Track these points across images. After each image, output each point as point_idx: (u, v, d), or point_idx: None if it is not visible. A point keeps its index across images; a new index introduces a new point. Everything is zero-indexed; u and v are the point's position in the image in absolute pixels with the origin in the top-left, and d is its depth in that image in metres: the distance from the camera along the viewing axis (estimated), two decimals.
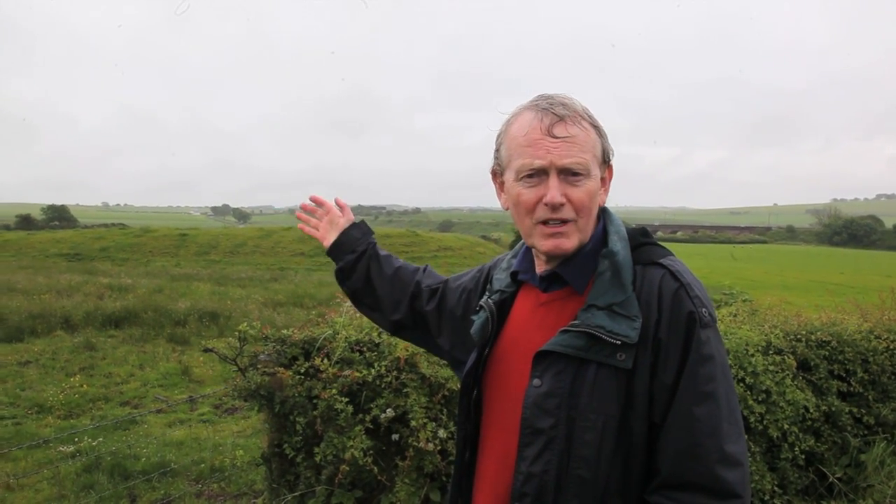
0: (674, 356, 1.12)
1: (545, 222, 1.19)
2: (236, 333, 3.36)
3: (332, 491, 2.98)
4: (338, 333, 3.28)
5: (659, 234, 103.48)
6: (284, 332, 3.36)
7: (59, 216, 73.92)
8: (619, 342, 1.12)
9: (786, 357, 3.91)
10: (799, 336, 4.11)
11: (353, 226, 1.69)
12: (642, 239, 1.25)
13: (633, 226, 1.29)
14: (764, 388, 3.68)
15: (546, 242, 1.20)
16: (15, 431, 6.18)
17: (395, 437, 3.01)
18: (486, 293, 1.38)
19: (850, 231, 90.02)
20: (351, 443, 2.85)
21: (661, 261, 1.20)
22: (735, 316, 4.36)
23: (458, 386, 1.41)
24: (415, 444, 2.91)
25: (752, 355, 3.73)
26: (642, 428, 1.14)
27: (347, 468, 2.83)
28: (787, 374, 3.85)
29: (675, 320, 1.13)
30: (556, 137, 1.16)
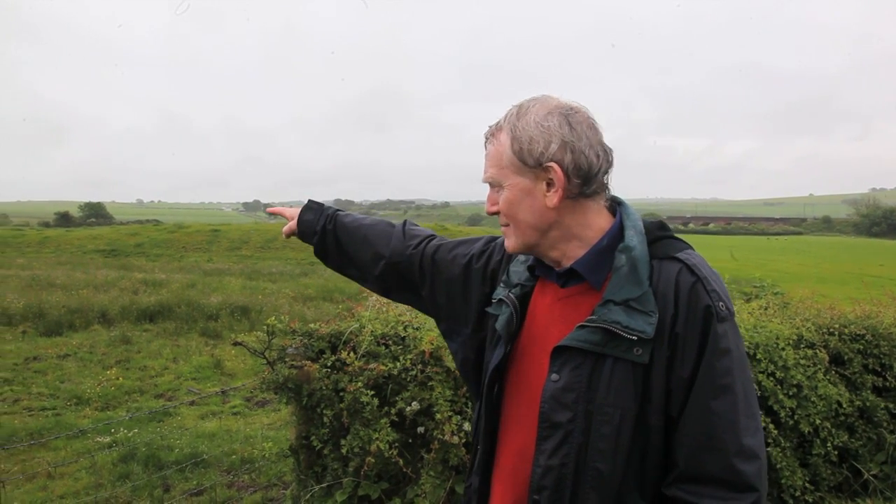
0: (691, 350, 1.12)
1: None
2: (265, 327, 3.41)
3: (358, 483, 3.02)
4: (364, 327, 3.32)
5: (691, 225, 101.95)
6: (312, 325, 3.41)
7: (95, 213, 75.78)
8: (635, 337, 1.12)
9: (818, 351, 3.84)
10: (832, 329, 4.03)
11: (305, 209, 1.74)
12: (659, 233, 1.25)
13: (652, 219, 1.28)
14: (795, 382, 3.62)
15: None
16: (55, 422, 6.36)
17: (420, 429, 3.03)
18: (503, 285, 1.39)
19: (889, 221, 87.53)
20: (376, 435, 2.88)
21: (678, 255, 1.19)
22: (766, 309, 4.29)
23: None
24: (440, 436, 2.93)
25: (783, 349, 3.67)
26: (659, 422, 1.14)
27: (373, 460, 2.86)
28: (819, 369, 3.78)
29: (691, 315, 1.13)
30: (486, 156, 1.29)
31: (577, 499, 1.16)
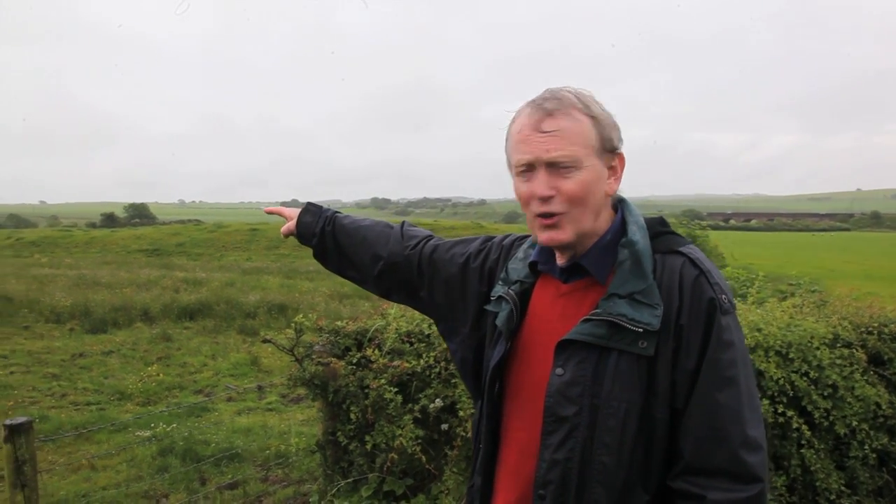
0: (695, 342, 1.13)
1: (541, 215, 1.22)
2: (293, 325, 3.48)
3: (383, 478, 3.05)
4: (389, 325, 3.35)
5: (732, 221, 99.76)
6: (338, 323, 3.46)
7: (139, 214, 77.88)
8: (640, 330, 1.13)
9: (855, 350, 3.73)
10: (870, 328, 3.91)
11: (304, 211, 1.74)
12: (661, 228, 1.26)
13: (652, 216, 1.30)
14: (830, 382, 3.53)
15: (542, 235, 1.24)
16: (98, 416, 6.58)
17: (444, 426, 3.06)
18: (501, 282, 1.39)
19: None
20: (400, 432, 2.92)
21: (681, 249, 1.21)
22: (800, 307, 4.19)
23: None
24: (463, 433, 2.95)
25: (818, 348, 3.58)
26: (664, 414, 1.15)
27: (396, 456, 2.90)
28: (857, 369, 3.68)
29: (695, 307, 1.14)
30: (544, 132, 1.19)
31: (582, 493, 1.17)
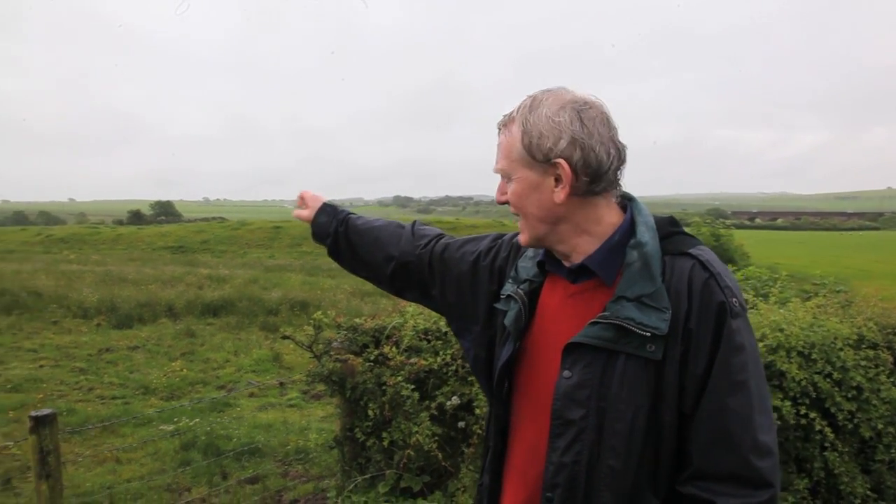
0: (704, 346, 1.11)
1: None
2: (311, 322, 3.51)
3: (400, 475, 3.07)
4: (406, 322, 3.37)
5: (757, 220, 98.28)
6: (356, 320, 3.48)
7: (165, 211, 79.10)
8: (648, 334, 1.11)
9: (881, 352, 3.67)
10: None
11: (320, 211, 1.75)
12: (671, 228, 1.23)
13: (662, 216, 1.27)
14: (854, 384, 3.47)
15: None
16: (123, 410, 6.70)
17: (461, 424, 3.06)
18: (511, 281, 1.39)
19: None
20: (417, 428, 2.93)
21: (691, 251, 1.18)
22: (824, 308, 4.12)
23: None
24: (479, 431, 2.95)
25: (841, 349, 3.52)
26: (672, 418, 1.13)
27: (413, 453, 2.91)
28: (882, 371, 3.61)
29: (705, 310, 1.12)
30: (498, 146, 1.30)
31: (590, 497, 1.16)
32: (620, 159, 1.21)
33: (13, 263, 21.89)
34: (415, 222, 1.72)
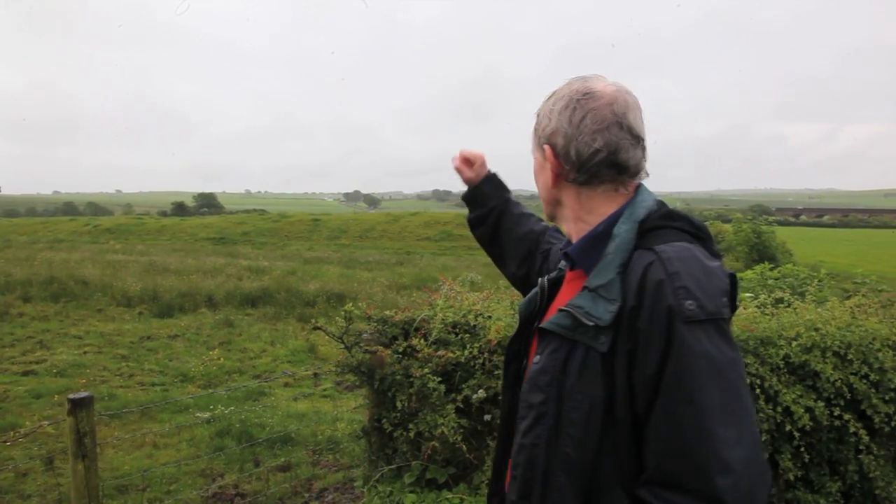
0: (655, 349, 1.07)
1: None
2: (342, 313, 3.56)
3: (426, 466, 3.10)
4: (436, 315, 3.39)
5: (803, 217, 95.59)
6: (387, 312, 3.52)
7: (207, 203, 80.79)
8: (592, 323, 1.12)
9: None
10: None
11: (486, 180, 1.83)
12: (658, 222, 1.19)
13: (663, 209, 1.24)
14: (893, 386, 3.37)
15: None
16: (162, 397, 6.90)
17: (486, 417, 3.08)
18: (544, 270, 1.44)
19: None
20: (442, 420, 2.95)
21: (657, 247, 1.13)
22: (864, 307, 4.00)
23: None
24: None
25: (880, 350, 3.43)
26: (626, 415, 1.11)
27: (438, 445, 2.93)
28: None
29: (655, 312, 1.07)
30: None
31: (548, 479, 1.18)
32: (612, 152, 1.21)
33: (62, 252, 22.66)
34: (552, 227, 1.78)
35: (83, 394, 2.60)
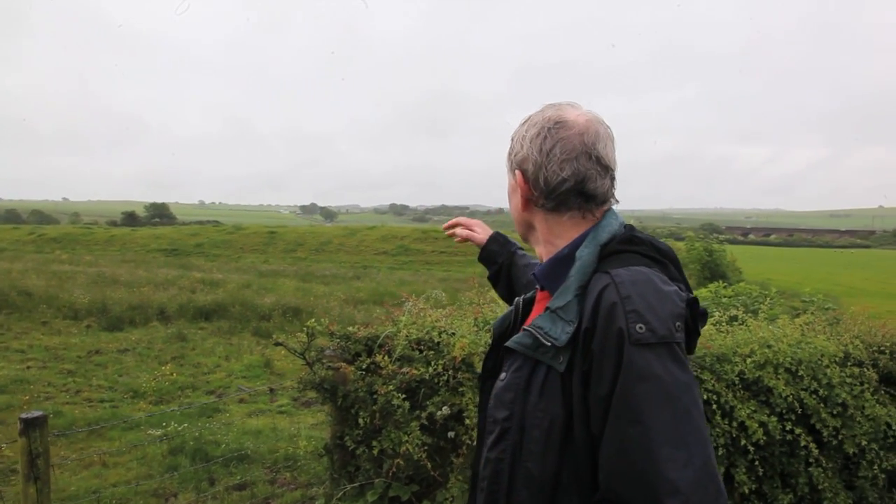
0: (607, 371, 1.09)
1: None
2: (304, 329, 3.51)
3: (389, 484, 3.08)
4: (399, 331, 3.38)
5: (751, 236, 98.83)
6: (349, 328, 3.50)
7: (159, 213, 78.96)
8: (549, 343, 1.16)
9: (866, 369, 3.71)
10: (882, 348, 3.89)
11: (491, 239, 1.97)
12: (619, 246, 1.22)
13: (626, 233, 1.26)
14: (840, 401, 3.51)
15: None
16: (111, 413, 6.67)
17: (450, 434, 3.08)
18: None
19: None
20: (407, 438, 2.94)
21: (612, 270, 1.16)
22: (812, 325, 4.16)
23: None
24: (469, 441, 2.97)
25: (828, 366, 3.57)
26: (583, 435, 1.13)
27: (402, 462, 2.92)
28: (867, 388, 3.65)
29: (607, 334, 1.10)
30: None
31: (511, 493, 1.21)
32: (579, 181, 1.24)
33: (4, 262, 21.79)
34: None
35: (36, 413, 2.50)
